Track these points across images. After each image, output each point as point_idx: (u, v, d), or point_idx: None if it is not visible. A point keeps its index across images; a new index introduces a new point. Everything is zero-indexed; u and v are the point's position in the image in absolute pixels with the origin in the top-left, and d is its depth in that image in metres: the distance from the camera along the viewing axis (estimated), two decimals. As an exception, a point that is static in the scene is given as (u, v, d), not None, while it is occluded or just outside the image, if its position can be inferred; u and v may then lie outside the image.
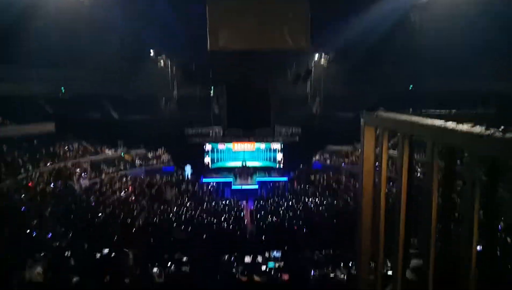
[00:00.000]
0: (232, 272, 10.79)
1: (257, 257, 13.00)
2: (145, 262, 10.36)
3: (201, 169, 31.63)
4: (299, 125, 32.00)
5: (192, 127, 31.94)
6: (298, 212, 20.54)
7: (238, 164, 31.88)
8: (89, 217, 18.83)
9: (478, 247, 1.24)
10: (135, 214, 20.50)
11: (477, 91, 25.54)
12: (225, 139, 32.53)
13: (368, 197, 1.87)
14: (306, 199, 23.56)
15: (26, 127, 25.74)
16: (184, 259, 11.85)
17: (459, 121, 1.23)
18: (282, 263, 12.73)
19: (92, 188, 23.81)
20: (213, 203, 23.28)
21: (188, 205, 22.95)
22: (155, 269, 9.64)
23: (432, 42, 26.61)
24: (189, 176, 29.51)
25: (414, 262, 2.42)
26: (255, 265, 12.26)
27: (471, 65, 26.85)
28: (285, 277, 9.79)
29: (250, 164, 31.91)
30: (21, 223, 15.70)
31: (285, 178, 29.94)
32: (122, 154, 30.02)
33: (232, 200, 24.79)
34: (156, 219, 19.83)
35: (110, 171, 27.39)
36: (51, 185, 21.73)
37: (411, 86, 32.06)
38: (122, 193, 23.96)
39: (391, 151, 2.04)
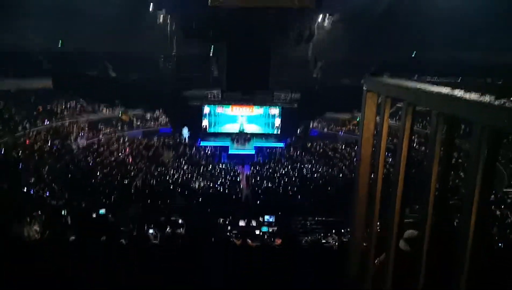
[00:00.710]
0: (226, 236, 11.02)
1: (251, 221, 13.25)
2: (141, 223, 10.52)
3: (198, 132, 31.55)
4: (299, 90, 31.57)
5: (190, 89, 31.48)
6: (294, 179, 20.77)
7: (236, 128, 31.76)
8: (86, 177, 18.98)
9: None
10: (132, 175, 20.69)
11: (483, 61, 25.11)
12: (224, 101, 32.20)
13: (365, 165, 1.83)
14: (302, 166, 23.75)
15: (22, 83, 25.38)
16: (180, 221, 12.07)
17: (466, 90, 1.16)
18: (275, 228, 13.00)
19: (90, 148, 23.81)
20: (210, 167, 23.42)
21: (185, 168, 23.13)
22: (151, 231, 9.80)
23: (438, 10, 25.90)
24: (187, 139, 29.49)
25: (408, 232, 2.42)
26: (249, 228, 12.52)
27: (478, 35, 26.31)
28: (278, 241, 9.99)
29: (248, 128, 31.81)
30: (18, 181, 15.79)
31: (282, 144, 29.99)
32: (119, 114, 29.79)
33: (228, 164, 24.93)
34: (153, 181, 20.02)
35: (108, 131, 27.30)
36: (48, 144, 21.71)
37: (414, 52, 31.23)
38: (120, 154, 24.00)
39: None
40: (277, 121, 32.53)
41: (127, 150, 24.88)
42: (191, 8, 27.47)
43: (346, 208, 15.03)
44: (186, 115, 30.65)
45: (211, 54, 32.37)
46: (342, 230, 11.83)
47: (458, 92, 1.13)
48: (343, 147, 27.01)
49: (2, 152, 18.47)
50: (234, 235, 10.39)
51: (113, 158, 22.94)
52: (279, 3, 23.91)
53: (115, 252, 5.03)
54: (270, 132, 32.69)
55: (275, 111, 32.40)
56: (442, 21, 25.53)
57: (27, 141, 21.10)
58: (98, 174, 19.66)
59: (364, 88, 1.79)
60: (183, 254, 4.84)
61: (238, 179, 21.46)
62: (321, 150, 27.41)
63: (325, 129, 31.20)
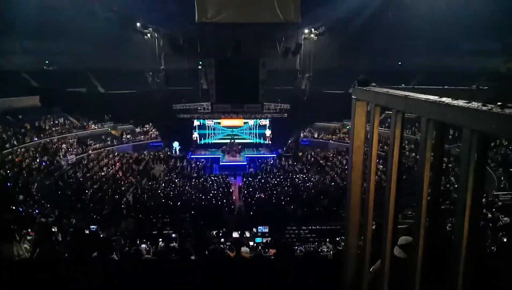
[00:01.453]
0: (220, 248, 10.90)
1: (244, 232, 13.19)
2: (133, 238, 10.39)
3: (189, 145, 31.48)
4: (288, 101, 31.77)
5: (180, 103, 31.48)
6: (286, 188, 20.73)
7: (227, 139, 31.77)
8: (76, 193, 18.73)
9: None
10: (122, 189, 20.47)
11: (468, 68, 25.59)
12: (214, 115, 32.24)
13: (357, 173, 1.84)
14: (294, 176, 23.74)
15: (10, 100, 25.15)
16: (173, 235, 11.95)
17: (453, 97, 1.18)
18: (269, 239, 12.94)
19: (79, 164, 23.53)
20: (202, 179, 23.29)
21: (176, 181, 22.96)
22: (143, 245, 9.67)
23: (423, 19, 26.34)
24: (177, 152, 29.38)
25: (402, 239, 2.43)
26: (243, 240, 12.43)
27: (462, 42, 26.89)
28: (272, 251, 9.95)
29: (238, 140, 31.83)
30: (8, 198, 15.50)
31: (273, 155, 30.05)
32: (108, 129, 29.62)
33: (220, 176, 24.81)
34: (144, 195, 19.84)
35: (97, 146, 27.05)
36: (37, 161, 21.40)
37: (400, 62, 31.87)
38: (110, 169, 23.76)
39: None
40: (268, 132, 32.65)
41: (117, 164, 24.66)
42: (178, 24, 27.65)
43: (340, 216, 15.05)
44: (176, 128, 30.59)
45: (199, 68, 32.52)
46: (337, 239, 11.81)
47: (446, 100, 1.15)
48: (334, 155, 27.12)
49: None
50: (228, 247, 10.30)
51: (103, 173, 22.70)
52: (266, 19, 24.10)
53: (107, 267, 4.95)
54: (261, 143, 32.78)
55: (265, 122, 32.55)
56: (426, 29, 26.00)
57: (16, 159, 20.78)
58: (88, 189, 19.42)
59: (353, 97, 1.81)
60: (176, 268, 4.78)
61: (231, 190, 21.36)
62: (312, 159, 27.49)
63: (316, 138, 31.36)
